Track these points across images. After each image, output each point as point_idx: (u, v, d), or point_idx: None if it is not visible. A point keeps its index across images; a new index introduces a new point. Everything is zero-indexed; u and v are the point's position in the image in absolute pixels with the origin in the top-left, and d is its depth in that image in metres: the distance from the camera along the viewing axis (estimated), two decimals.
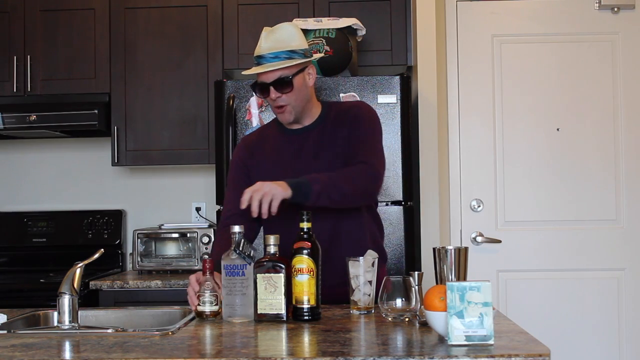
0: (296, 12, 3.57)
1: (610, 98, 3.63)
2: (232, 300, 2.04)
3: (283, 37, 2.32)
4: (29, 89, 3.68)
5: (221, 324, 2.02)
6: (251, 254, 2.06)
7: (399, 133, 3.20)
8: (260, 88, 2.35)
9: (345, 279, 2.14)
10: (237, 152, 2.53)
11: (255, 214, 2.13)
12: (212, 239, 3.58)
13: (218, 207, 3.25)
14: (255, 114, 3.22)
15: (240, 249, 2.05)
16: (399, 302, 1.95)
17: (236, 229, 2.07)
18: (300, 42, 2.34)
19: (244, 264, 2.04)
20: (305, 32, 3.20)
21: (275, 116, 2.48)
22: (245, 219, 2.24)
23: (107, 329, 1.97)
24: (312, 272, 2.00)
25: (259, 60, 2.31)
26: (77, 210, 3.95)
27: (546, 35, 3.66)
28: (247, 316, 2.03)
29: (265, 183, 2.15)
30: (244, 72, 2.41)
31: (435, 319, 1.70)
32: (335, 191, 2.23)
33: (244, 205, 2.14)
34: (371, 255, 2.13)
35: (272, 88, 2.32)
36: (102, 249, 2.18)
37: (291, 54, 2.31)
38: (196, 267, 3.57)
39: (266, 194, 2.11)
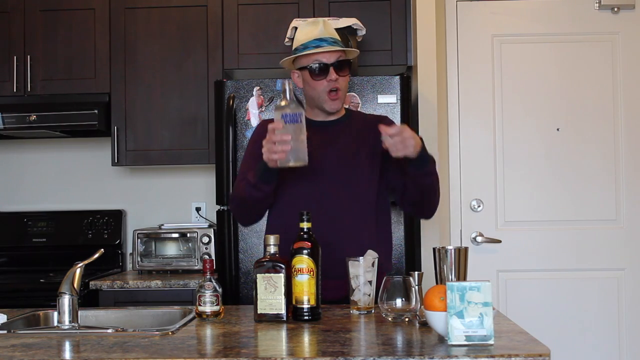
0: (296, 12, 3.57)
1: (610, 98, 3.63)
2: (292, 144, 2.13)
3: (334, 32, 2.46)
4: (29, 89, 3.67)
5: (221, 324, 2.01)
6: (301, 101, 2.15)
7: None
8: (319, 69, 2.40)
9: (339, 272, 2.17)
10: (257, 129, 2.57)
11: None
12: (212, 239, 3.58)
13: (218, 207, 3.24)
14: (255, 114, 3.22)
15: (294, 95, 2.13)
16: (399, 302, 1.95)
17: (285, 82, 2.14)
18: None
19: (300, 112, 2.13)
20: None
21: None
22: None
23: (107, 329, 1.97)
24: (312, 272, 2.00)
25: (319, 43, 2.38)
26: (77, 210, 3.95)
27: (546, 35, 3.66)
28: (303, 160, 2.15)
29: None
30: (304, 53, 2.39)
31: (435, 319, 1.70)
32: (434, 180, 2.37)
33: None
34: (371, 255, 2.13)
35: (332, 69, 2.39)
36: (102, 249, 2.19)
37: (342, 45, 2.45)
38: (196, 267, 3.58)
39: (408, 138, 2.20)
